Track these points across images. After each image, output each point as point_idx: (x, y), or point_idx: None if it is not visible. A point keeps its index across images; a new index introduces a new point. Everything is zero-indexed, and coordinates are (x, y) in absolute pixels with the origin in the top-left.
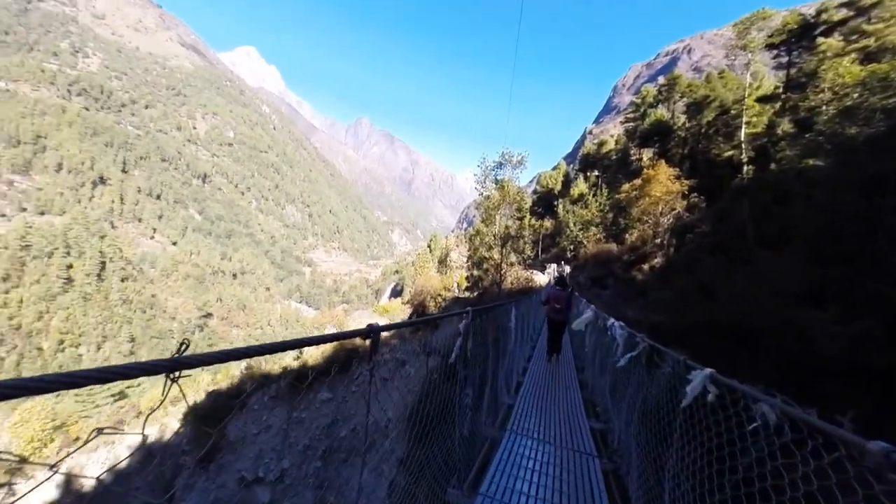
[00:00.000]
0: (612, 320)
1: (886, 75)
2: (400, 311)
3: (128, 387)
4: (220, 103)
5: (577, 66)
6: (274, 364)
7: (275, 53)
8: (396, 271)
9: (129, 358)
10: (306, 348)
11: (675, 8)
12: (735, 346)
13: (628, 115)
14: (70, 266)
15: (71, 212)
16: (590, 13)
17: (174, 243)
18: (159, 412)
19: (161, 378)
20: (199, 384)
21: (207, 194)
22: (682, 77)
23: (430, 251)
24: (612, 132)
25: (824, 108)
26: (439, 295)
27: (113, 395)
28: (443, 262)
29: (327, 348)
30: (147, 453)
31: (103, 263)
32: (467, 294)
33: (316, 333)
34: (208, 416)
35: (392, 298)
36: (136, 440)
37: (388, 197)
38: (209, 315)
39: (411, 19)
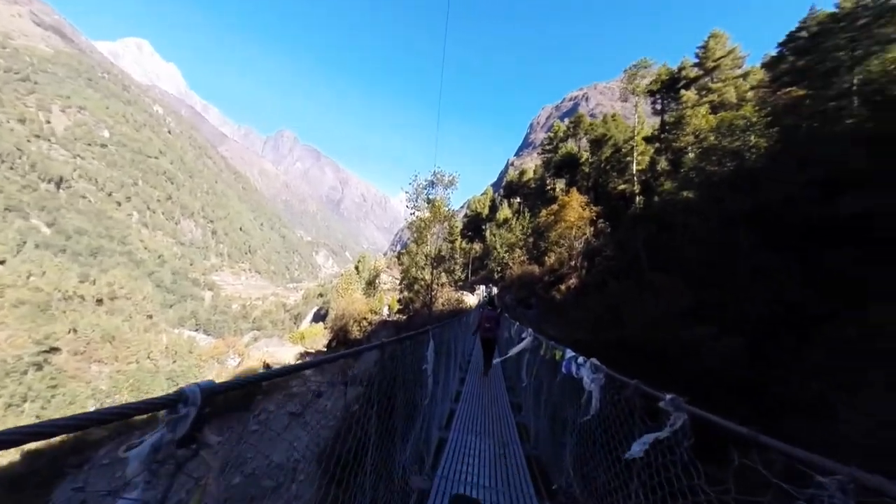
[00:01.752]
0: (571, 353)
1: (731, 123)
2: (321, 336)
3: None
4: (90, 96)
5: (499, 100)
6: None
7: (174, 50)
8: (321, 294)
9: None
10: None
11: (576, 58)
12: (644, 361)
13: (545, 147)
14: None
15: None
16: (514, 48)
17: (1, 262)
18: None
19: None
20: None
21: (63, 202)
22: (585, 117)
23: (358, 272)
24: (530, 164)
25: (689, 148)
26: (364, 318)
27: None
28: (371, 283)
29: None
30: None
31: None
32: (398, 317)
33: (208, 365)
34: (25, 479)
35: (314, 323)
36: None
37: (312, 216)
38: (54, 350)
39: (341, 41)
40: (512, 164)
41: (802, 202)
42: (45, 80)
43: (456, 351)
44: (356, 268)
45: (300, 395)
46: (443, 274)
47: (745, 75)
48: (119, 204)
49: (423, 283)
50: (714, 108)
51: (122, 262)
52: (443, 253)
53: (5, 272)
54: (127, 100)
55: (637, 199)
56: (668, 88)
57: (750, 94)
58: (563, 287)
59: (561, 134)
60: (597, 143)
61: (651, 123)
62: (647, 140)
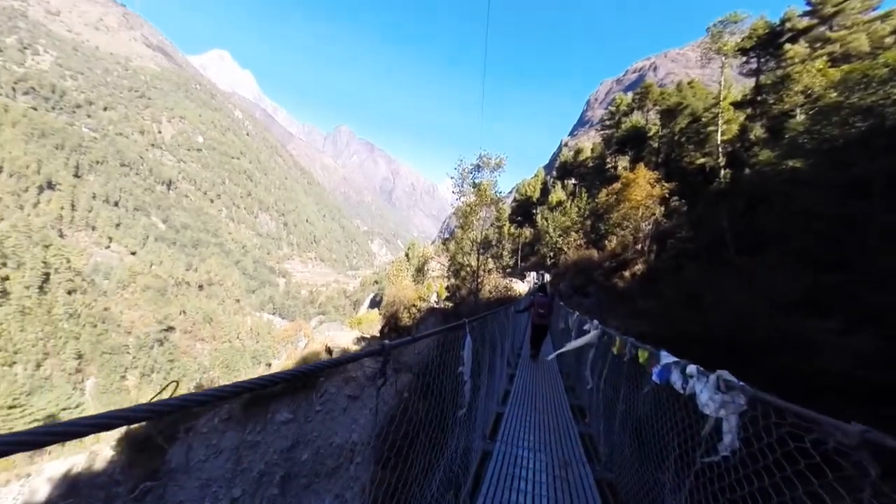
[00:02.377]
0: (668, 357)
1: (865, 74)
2: (376, 322)
3: (63, 409)
4: (188, 107)
5: (552, 79)
6: (227, 381)
7: (249, 58)
8: (376, 281)
9: (74, 376)
10: (273, 365)
11: (643, 27)
12: (727, 357)
13: (605, 123)
14: (6, 278)
15: (10, 219)
16: (562, 28)
17: (133, 253)
18: (89, 437)
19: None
20: (137, 402)
21: (172, 201)
22: (654, 86)
23: (408, 259)
24: (587, 143)
25: (798, 111)
26: (413, 305)
27: (36, 420)
28: (420, 270)
29: (287, 366)
30: (72, 486)
31: (47, 275)
32: (445, 304)
33: (283, 346)
34: (148, 441)
35: (371, 309)
36: (58, 470)
37: (367, 206)
38: (171, 329)
39: (391, 26)
40: (566, 145)
41: None
42: (155, 96)
43: (503, 345)
44: (406, 255)
45: (357, 379)
46: (490, 260)
47: (883, 16)
48: (212, 201)
49: (469, 269)
50: (834, 62)
51: (216, 253)
52: (489, 238)
53: (136, 262)
54: (214, 107)
55: (722, 172)
56: (766, 45)
57: (890, 41)
58: (626, 274)
59: (624, 107)
60: (669, 114)
61: (743, 86)
62: (736, 106)
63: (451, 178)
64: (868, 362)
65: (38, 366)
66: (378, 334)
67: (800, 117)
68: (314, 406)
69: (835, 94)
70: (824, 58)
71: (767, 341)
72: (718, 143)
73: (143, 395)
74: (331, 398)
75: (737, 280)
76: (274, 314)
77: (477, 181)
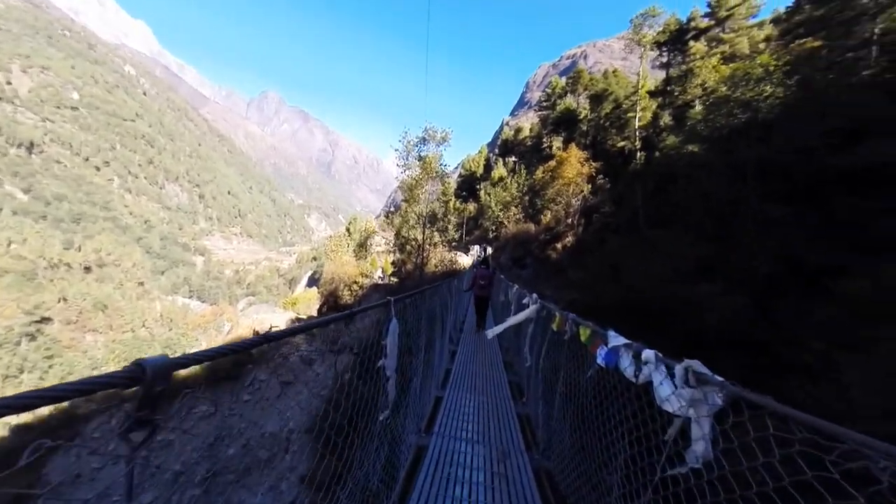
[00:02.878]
0: (617, 338)
1: (746, 72)
2: (314, 301)
3: None
4: (53, 55)
5: (494, 59)
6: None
7: (141, 5)
8: (314, 258)
9: None
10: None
11: (577, 14)
12: (644, 321)
13: (542, 104)
14: None
15: None
16: (505, 7)
17: None
18: None
19: None
20: None
21: (37, 168)
22: (585, 72)
23: (349, 234)
24: (526, 123)
25: (697, 102)
26: (354, 282)
27: None
28: (363, 245)
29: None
30: None
31: None
32: (391, 280)
33: (204, 333)
34: (13, 455)
35: (310, 287)
36: None
37: (303, 179)
38: (46, 320)
39: None
40: (507, 124)
41: (818, 152)
42: (0, 38)
43: (445, 323)
44: (347, 230)
45: (291, 364)
46: (435, 233)
47: (759, 25)
48: (98, 169)
49: (414, 243)
50: (725, 60)
51: (108, 228)
52: (435, 212)
53: None
54: (94, 59)
55: (638, 154)
56: (676, 40)
57: (763, 46)
58: (559, 246)
59: (559, 90)
60: (597, 99)
61: (655, 78)
62: (651, 94)
63: (396, 150)
64: (737, 321)
65: None
66: (315, 314)
67: (698, 108)
68: (242, 396)
69: (724, 88)
70: (718, 56)
71: (671, 304)
72: (636, 127)
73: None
74: (261, 386)
75: (647, 251)
76: (191, 297)
77: (422, 154)
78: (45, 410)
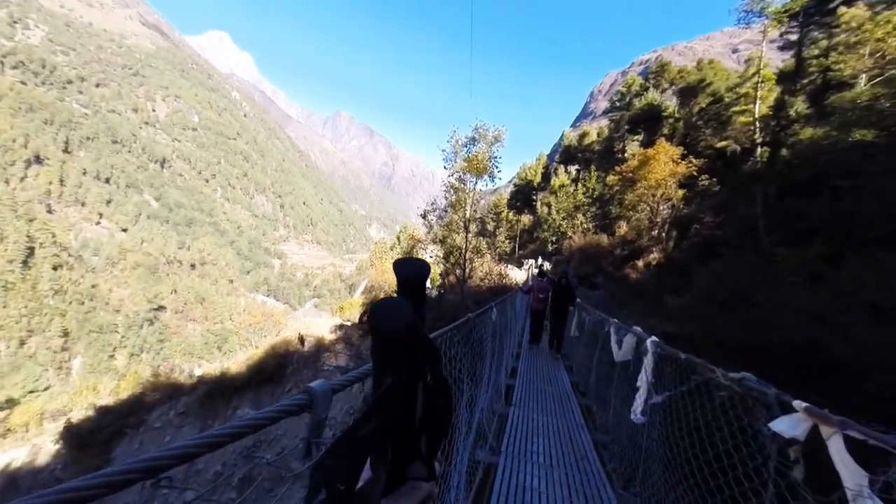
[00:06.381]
0: None
1: None
2: (357, 309)
3: (31, 391)
4: (183, 86)
5: (555, 69)
6: (182, 372)
7: (248, 40)
8: (371, 265)
9: (60, 354)
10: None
11: (650, 19)
12: (797, 372)
13: (614, 104)
14: None
15: None
16: (568, 18)
17: (124, 230)
18: (32, 430)
19: (80, 376)
20: (84, 396)
21: (166, 180)
22: (671, 64)
23: (399, 242)
24: (593, 128)
25: (861, 77)
26: (395, 291)
27: None
28: (409, 254)
29: (254, 355)
30: (9, 481)
31: (31, 249)
32: (437, 291)
33: (268, 328)
34: (93, 435)
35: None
36: None
37: (366, 191)
38: (161, 308)
39: (392, 7)
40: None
41: None
42: (149, 74)
43: (500, 346)
44: (398, 237)
45: (329, 372)
46: (482, 240)
47: None
48: (207, 181)
49: (457, 252)
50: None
51: (210, 232)
52: (485, 219)
53: (127, 239)
54: (211, 87)
55: (758, 150)
56: (811, 14)
57: None
58: (640, 263)
59: (636, 88)
60: (689, 93)
61: (776, 63)
62: (780, 78)
63: (443, 151)
64: None
65: (22, 343)
66: (357, 321)
67: (863, 85)
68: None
69: None
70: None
71: (843, 351)
72: (754, 118)
73: (132, 375)
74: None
75: (774, 274)
76: (269, 296)
77: (471, 155)
78: (122, 397)
